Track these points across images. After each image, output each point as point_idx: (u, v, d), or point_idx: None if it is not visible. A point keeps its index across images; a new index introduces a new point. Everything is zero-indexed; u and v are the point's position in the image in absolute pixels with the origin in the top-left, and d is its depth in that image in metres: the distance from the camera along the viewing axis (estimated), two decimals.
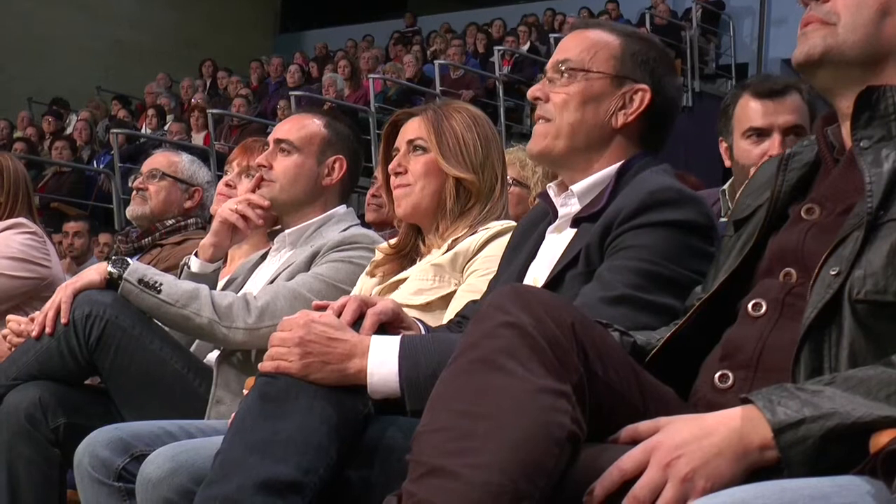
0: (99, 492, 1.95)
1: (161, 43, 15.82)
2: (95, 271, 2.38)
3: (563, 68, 1.86)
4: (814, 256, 1.33)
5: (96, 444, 1.96)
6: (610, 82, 1.85)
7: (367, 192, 3.89)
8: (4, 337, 2.59)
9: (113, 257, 2.51)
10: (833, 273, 1.28)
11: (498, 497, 1.13)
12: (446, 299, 2.10)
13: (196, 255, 2.64)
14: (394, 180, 2.24)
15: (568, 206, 1.89)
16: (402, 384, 1.57)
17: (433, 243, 2.22)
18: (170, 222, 3.45)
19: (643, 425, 1.23)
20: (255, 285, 2.58)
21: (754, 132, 2.56)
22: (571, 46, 1.88)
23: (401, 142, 2.26)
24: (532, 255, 1.91)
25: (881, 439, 1.09)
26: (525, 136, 7.92)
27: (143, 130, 11.86)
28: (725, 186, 2.77)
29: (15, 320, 2.59)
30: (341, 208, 2.66)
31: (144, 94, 13.70)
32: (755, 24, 13.82)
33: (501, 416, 1.16)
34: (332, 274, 2.44)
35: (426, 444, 1.19)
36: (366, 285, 2.31)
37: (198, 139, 11.06)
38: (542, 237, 1.93)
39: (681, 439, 1.14)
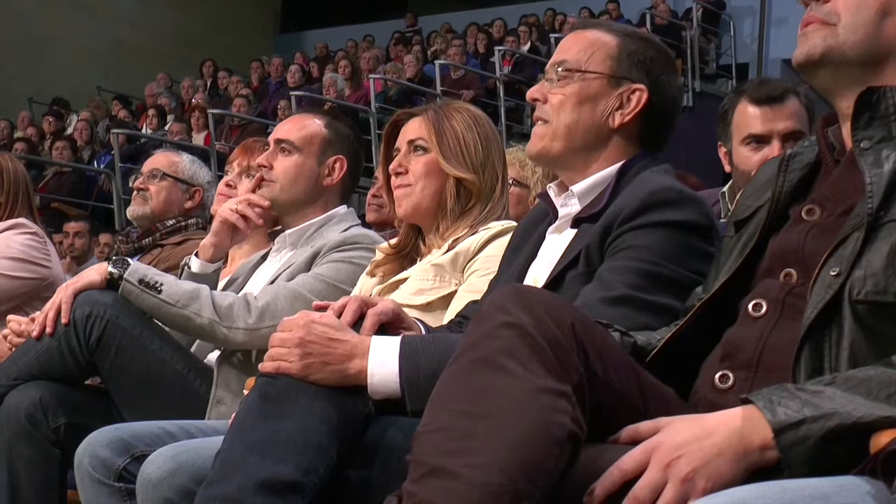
0: (99, 492, 1.95)
1: (161, 43, 15.82)
2: (96, 271, 2.38)
3: (560, 69, 1.86)
4: (814, 257, 1.33)
5: (97, 445, 1.96)
6: (606, 82, 1.84)
7: (368, 192, 3.89)
8: (5, 337, 2.59)
9: (113, 257, 2.51)
10: (833, 273, 1.28)
11: (498, 497, 1.13)
12: (447, 299, 2.10)
13: (196, 255, 2.63)
14: (394, 180, 2.24)
15: (568, 207, 1.89)
16: (403, 384, 1.57)
17: (433, 243, 2.22)
18: (170, 222, 3.45)
19: (643, 425, 1.23)
20: (256, 286, 2.58)
21: (754, 139, 2.54)
22: (569, 47, 1.88)
23: (401, 142, 2.26)
24: (532, 256, 1.91)
25: (881, 439, 1.09)
26: (525, 137, 7.89)
27: (143, 130, 11.86)
28: (725, 189, 2.76)
29: (15, 320, 2.59)
30: (342, 208, 2.66)
31: (145, 94, 13.69)
32: (756, 24, 13.82)
33: (501, 416, 1.16)
34: (333, 274, 2.44)
35: (426, 445, 1.19)
36: (366, 285, 2.31)
37: (198, 139, 11.06)
38: (543, 237, 1.93)
39: (681, 439, 1.14)
